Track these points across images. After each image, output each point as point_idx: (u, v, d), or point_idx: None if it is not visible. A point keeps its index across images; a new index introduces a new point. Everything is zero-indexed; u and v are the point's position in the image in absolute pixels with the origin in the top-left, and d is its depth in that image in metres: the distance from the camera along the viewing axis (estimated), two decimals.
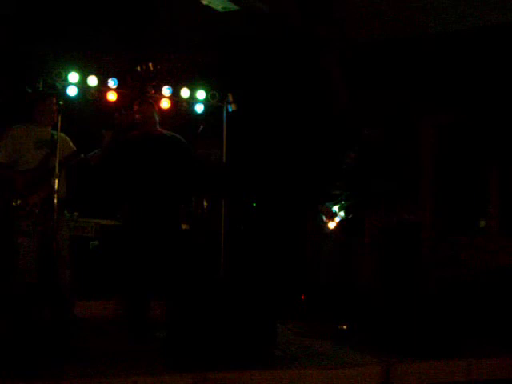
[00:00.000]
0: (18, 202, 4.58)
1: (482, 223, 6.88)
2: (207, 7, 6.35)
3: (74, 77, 6.34)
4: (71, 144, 5.04)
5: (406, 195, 6.14)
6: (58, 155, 4.50)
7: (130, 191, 5.14)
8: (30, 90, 5.71)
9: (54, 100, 4.87)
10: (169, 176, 5.06)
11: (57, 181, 4.42)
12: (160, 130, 5.23)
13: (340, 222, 5.71)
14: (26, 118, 4.89)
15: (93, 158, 4.95)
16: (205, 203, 6.65)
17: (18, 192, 4.61)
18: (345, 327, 5.33)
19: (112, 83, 6.51)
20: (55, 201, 4.41)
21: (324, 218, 5.81)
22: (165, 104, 6.79)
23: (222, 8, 6.44)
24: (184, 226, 6.15)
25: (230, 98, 6.84)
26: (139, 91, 6.61)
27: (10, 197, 4.61)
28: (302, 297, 6.12)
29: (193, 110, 6.97)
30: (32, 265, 4.60)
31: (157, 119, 5.24)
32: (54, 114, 4.82)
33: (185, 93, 6.88)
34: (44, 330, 4.22)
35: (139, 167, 5.06)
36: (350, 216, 5.68)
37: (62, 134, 4.95)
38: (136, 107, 5.29)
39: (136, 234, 5.05)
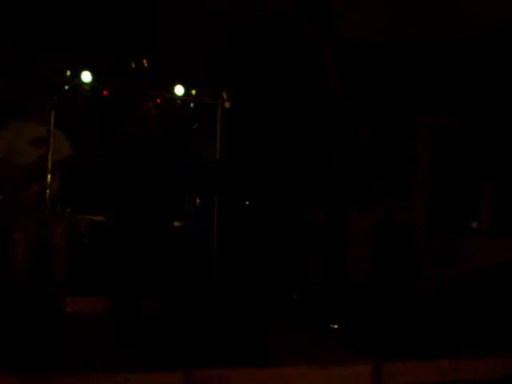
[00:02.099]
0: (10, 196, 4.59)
1: (474, 224, 6.90)
2: (202, 3, 6.34)
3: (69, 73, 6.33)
4: (68, 144, 5.04)
5: (398, 195, 6.15)
6: (52, 152, 4.50)
7: (125, 189, 5.15)
8: (23, 87, 5.69)
9: (55, 98, 4.86)
10: (164, 174, 5.08)
11: (50, 177, 4.43)
12: (158, 128, 5.29)
13: (330, 220, 5.73)
14: (25, 115, 4.88)
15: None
16: (197, 201, 6.65)
17: (10, 186, 4.61)
18: (336, 326, 5.34)
19: (106, 79, 6.51)
20: (47, 197, 4.42)
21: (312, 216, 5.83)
22: (159, 102, 6.78)
23: None
24: (176, 224, 6.15)
25: (225, 95, 6.84)
26: (133, 88, 6.60)
27: (4, 190, 4.62)
28: (294, 295, 6.12)
29: (187, 108, 6.96)
30: (25, 262, 4.60)
31: (156, 117, 5.30)
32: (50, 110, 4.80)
33: (179, 90, 6.88)
34: (35, 326, 4.21)
35: (137, 164, 5.08)
36: (341, 215, 5.70)
37: (61, 134, 4.97)
38: (139, 105, 5.36)
39: (129, 230, 5.05)
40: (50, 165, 4.46)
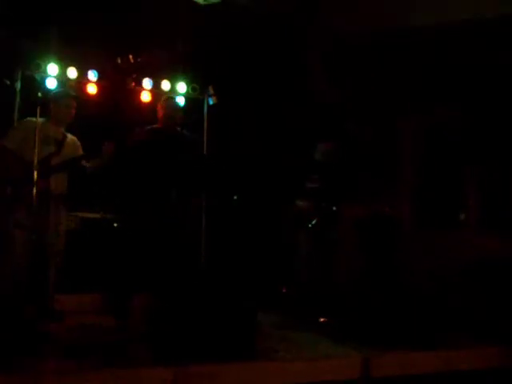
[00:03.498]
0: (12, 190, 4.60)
1: (462, 216, 6.96)
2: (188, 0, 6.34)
3: (53, 69, 6.29)
4: (81, 150, 5.15)
5: (385, 189, 6.19)
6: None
7: (130, 187, 5.19)
8: (8, 83, 5.67)
9: (73, 102, 4.95)
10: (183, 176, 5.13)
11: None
12: (177, 128, 5.37)
13: (318, 215, 5.75)
14: (43, 114, 4.89)
15: (90, 167, 5.02)
16: (186, 197, 6.64)
17: (15, 180, 4.62)
18: (325, 320, 5.37)
19: (92, 75, 6.47)
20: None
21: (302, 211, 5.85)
22: (145, 97, 6.76)
23: (204, 0, 6.42)
24: (164, 220, 6.15)
25: (211, 90, 6.82)
26: (119, 84, 6.57)
27: (6, 184, 4.64)
28: (283, 289, 6.14)
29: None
30: (23, 260, 4.61)
31: (179, 119, 5.39)
32: (70, 115, 5.00)
33: (165, 85, 6.86)
34: (26, 324, 4.21)
35: (156, 165, 5.12)
36: (328, 209, 5.72)
37: (75, 138, 5.13)
38: (162, 104, 5.42)
39: (120, 227, 5.09)
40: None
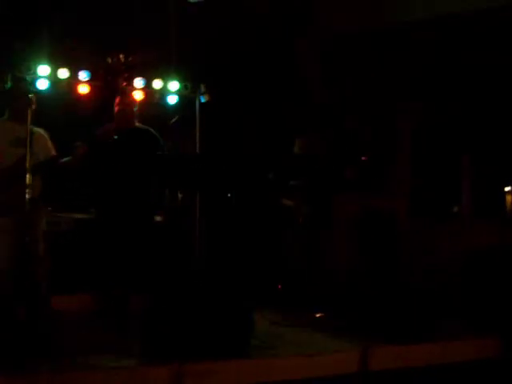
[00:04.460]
0: None
1: (456, 208, 6.98)
2: None
3: (43, 70, 6.26)
4: (50, 144, 4.97)
5: (380, 183, 6.19)
6: (28, 151, 4.44)
7: (105, 185, 5.14)
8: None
9: (33, 98, 4.77)
10: (142, 170, 5.08)
11: (30, 177, 4.38)
12: (137, 124, 5.29)
13: (314, 210, 5.75)
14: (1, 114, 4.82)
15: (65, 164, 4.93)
16: (179, 195, 6.64)
17: None
18: (321, 315, 5.37)
19: (83, 76, 6.44)
20: (27, 197, 4.37)
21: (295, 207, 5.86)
22: (137, 96, 6.73)
23: None
24: (158, 219, 6.15)
25: (203, 88, 6.81)
26: (111, 84, 6.54)
27: None
28: (279, 286, 6.14)
29: (165, 102, 6.92)
30: (6, 263, 4.56)
31: (134, 113, 5.30)
32: (31, 112, 4.67)
33: (157, 84, 6.84)
34: (21, 325, 4.19)
35: (114, 162, 5.07)
36: (324, 204, 5.72)
37: (42, 131, 4.92)
38: (117, 100, 5.34)
39: (111, 227, 5.06)
40: (27, 163, 4.39)
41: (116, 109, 5.35)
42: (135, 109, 5.38)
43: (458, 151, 6.92)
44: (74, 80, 6.40)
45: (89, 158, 4.86)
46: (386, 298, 4.86)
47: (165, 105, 6.91)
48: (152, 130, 5.38)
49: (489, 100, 6.68)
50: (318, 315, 5.38)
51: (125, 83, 6.62)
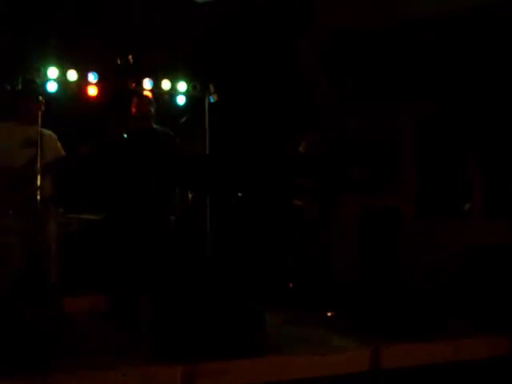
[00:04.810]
0: None
1: (467, 206, 6.95)
2: None
3: (53, 72, 6.30)
4: (59, 145, 5.01)
5: (386, 181, 6.18)
6: (39, 152, 4.47)
7: (119, 186, 5.17)
8: (9, 87, 5.66)
9: (41, 98, 4.80)
10: (159, 170, 5.12)
11: (40, 178, 4.40)
12: (154, 125, 5.33)
13: (319, 209, 5.75)
14: (11, 116, 4.84)
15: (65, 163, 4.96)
16: (190, 195, 6.65)
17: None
18: (332, 314, 5.37)
19: (92, 77, 6.48)
20: (38, 198, 4.40)
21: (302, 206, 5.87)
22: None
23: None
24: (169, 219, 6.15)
25: (212, 88, 6.83)
26: (119, 85, 6.58)
27: None
28: (290, 285, 6.14)
29: (174, 102, 6.95)
30: (18, 264, 4.59)
31: (152, 114, 5.32)
32: (41, 112, 4.71)
33: (166, 85, 6.87)
34: (32, 327, 4.21)
35: (130, 163, 5.10)
36: (329, 203, 5.72)
37: (50, 132, 4.94)
38: (135, 101, 5.37)
39: (124, 227, 5.09)
40: (38, 164, 4.42)
41: (133, 110, 5.36)
42: (152, 110, 5.38)
43: (461, 150, 6.90)
44: (82, 82, 6.45)
45: (92, 158, 4.89)
46: (393, 295, 4.85)
47: (174, 105, 6.95)
48: (169, 131, 5.40)
49: (491, 98, 6.65)
50: (329, 314, 5.38)
51: (134, 84, 6.66)
